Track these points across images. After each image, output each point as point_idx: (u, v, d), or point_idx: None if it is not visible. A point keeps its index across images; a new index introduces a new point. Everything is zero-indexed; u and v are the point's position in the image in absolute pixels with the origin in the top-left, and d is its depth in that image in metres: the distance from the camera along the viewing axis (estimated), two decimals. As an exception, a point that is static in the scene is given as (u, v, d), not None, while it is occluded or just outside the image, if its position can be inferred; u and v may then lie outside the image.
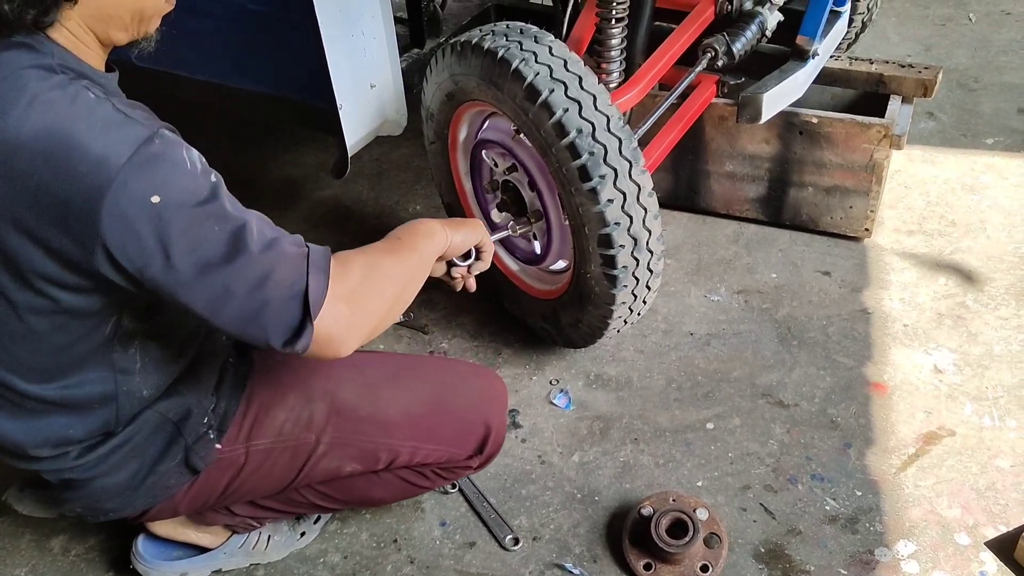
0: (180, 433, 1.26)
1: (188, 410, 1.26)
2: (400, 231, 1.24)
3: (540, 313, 1.90)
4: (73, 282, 1.01)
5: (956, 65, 2.87)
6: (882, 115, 2.02)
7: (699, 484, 1.63)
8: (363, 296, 1.10)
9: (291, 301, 1.02)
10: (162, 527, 1.51)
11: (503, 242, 1.94)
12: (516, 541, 1.56)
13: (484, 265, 1.41)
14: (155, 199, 0.95)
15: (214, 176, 1.02)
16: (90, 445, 1.20)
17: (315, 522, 1.60)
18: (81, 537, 1.64)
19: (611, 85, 1.89)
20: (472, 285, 1.42)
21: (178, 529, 1.52)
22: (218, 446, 1.28)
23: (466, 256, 1.38)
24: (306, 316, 1.02)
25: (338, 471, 1.35)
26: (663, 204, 2.29)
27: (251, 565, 1.56)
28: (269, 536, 1.56)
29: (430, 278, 1.29)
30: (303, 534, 1.59)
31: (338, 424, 1.33)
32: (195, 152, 1.02)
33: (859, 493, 1.59)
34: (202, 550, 1.54)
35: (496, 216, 1.91)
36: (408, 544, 1.57)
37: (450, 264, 1.38)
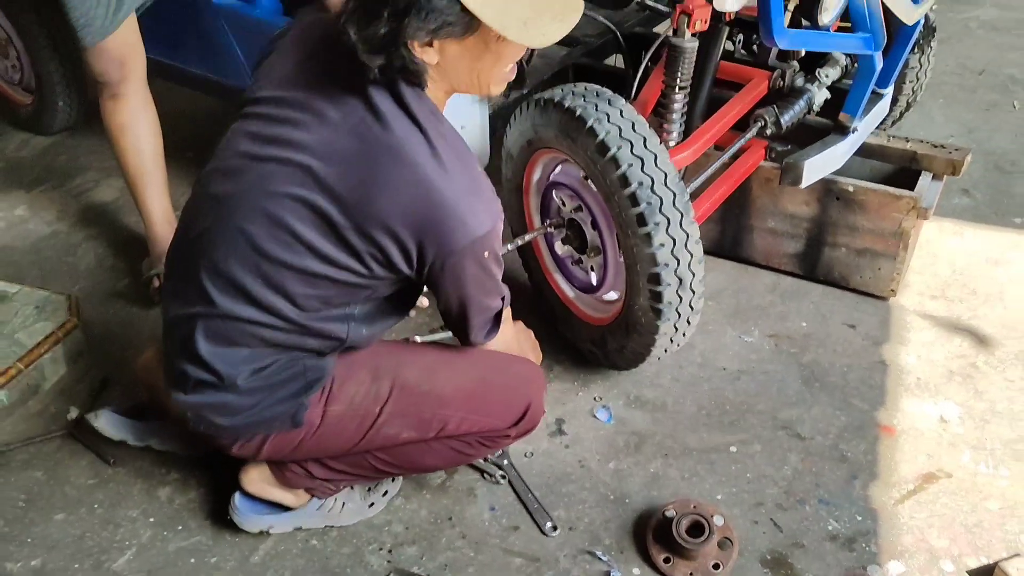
0: (306, 391, 1.54)
1: (321, 376, 1.55)
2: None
3: (590, 337, 2.15)
4: (393, 263, 1.41)
5: (996, 148, 3.08)
6: (913, 188, 2.25)
7: (718, 497, 1.86)
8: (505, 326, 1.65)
9: (493, 314, 1.57)
10: (254, 485, 1.77)
11: (564, 270, 2.21)
12: (555, 528, 1.80)
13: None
14: (486, 254, 1.42)
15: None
16: (262, 366, 1.51)
17: (383, 495, 1.86)
18: (183, 490, 1.92)
19: (671, 143, 2.14)
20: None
21: (267, 488, 1.78)
22: None
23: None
24: (496, 325, 1.59)
25: (396, 437, 1.61)
26: (710, 252, 2.54)
27: (326, 526, 1.82)
28: (344, 503, 1.82)
29: None
30: (372, 504, 1.84)
31: (400, 398, 1.59)
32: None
33: (859, 518, 1.80)
34: (287, 508, 1.81)
35: (560, 249, 2.17)
36: (461, 522, 1.82)
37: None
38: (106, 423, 1.84)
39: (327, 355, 1.56)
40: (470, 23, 1.28)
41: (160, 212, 2.36)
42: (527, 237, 2.15)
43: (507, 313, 1.65)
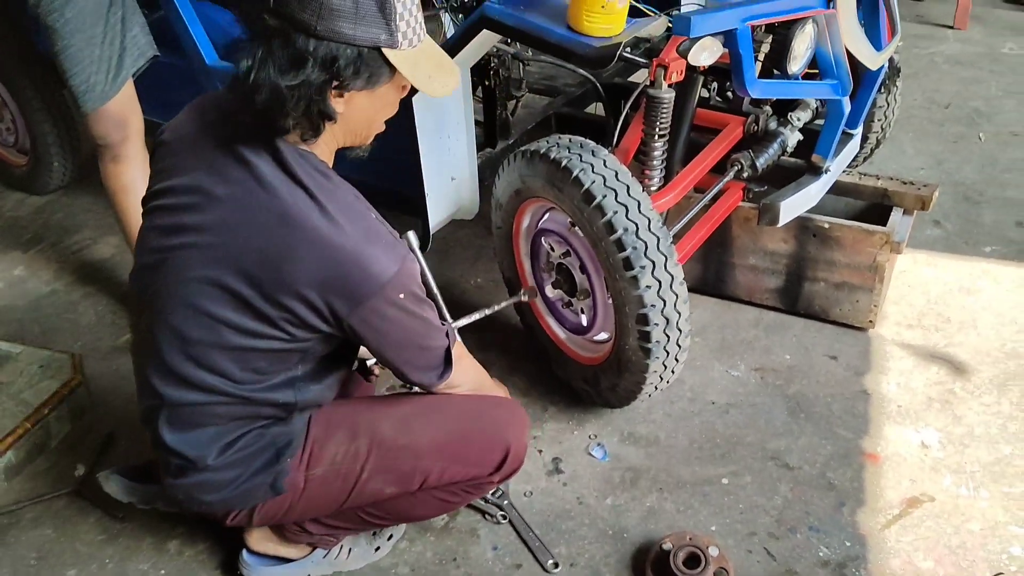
0: (278, 459, 1.58)
1: (290, 441, 1.60)
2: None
3: (583, 376, 2.22)
4: (309, 324, 1.43)
5: (964, 179, 3.20)
6: (886, 224, 2.36)
7: (713, 528, 1.92)
8: (463, 363, 1.67)
9: (439, 357, 1.57)
10: (258, 544, 1.84)
11: (555, 313, 2.28)
12: (556, 565, 1.85)
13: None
14: (400, 296, 1.42)
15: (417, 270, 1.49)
16: (229, 442, 1.55)
17: (388, 539, 1.91)
18: (192, 542, 1.96)
19: (652, 188, 2.23)
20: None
21: (271, 546, 1.84)
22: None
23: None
24: (447, 366, 1.59)
25: (380, 493, 1.65)
26: (694, 289, 2.62)
27: (334, 573, 1.87)
28: (350, 548, 1.87)
29: None
30: (378, 548, 1.89)
31: (378, 455, 1.62)
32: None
33: (848, 544, 1.87)
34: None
35: (550, 292, 2.25)
36: (465, 562, 1.88)
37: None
38: (116, 487, 1.88)
39: (291, 419, 1.60)
40: (390, 76, 1.41)
41: (160, 269, 2.42)
42: (500, 306, 2.24)
43: (459, 351, 1.65)
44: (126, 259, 2.80)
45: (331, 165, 1.49)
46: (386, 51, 1.35)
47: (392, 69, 1.38)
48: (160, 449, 1.57)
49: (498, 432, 1.68)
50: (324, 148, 1.46)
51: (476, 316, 2.15)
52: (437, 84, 1.43)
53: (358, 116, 1.44)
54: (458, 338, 1.65)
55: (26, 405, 2.19)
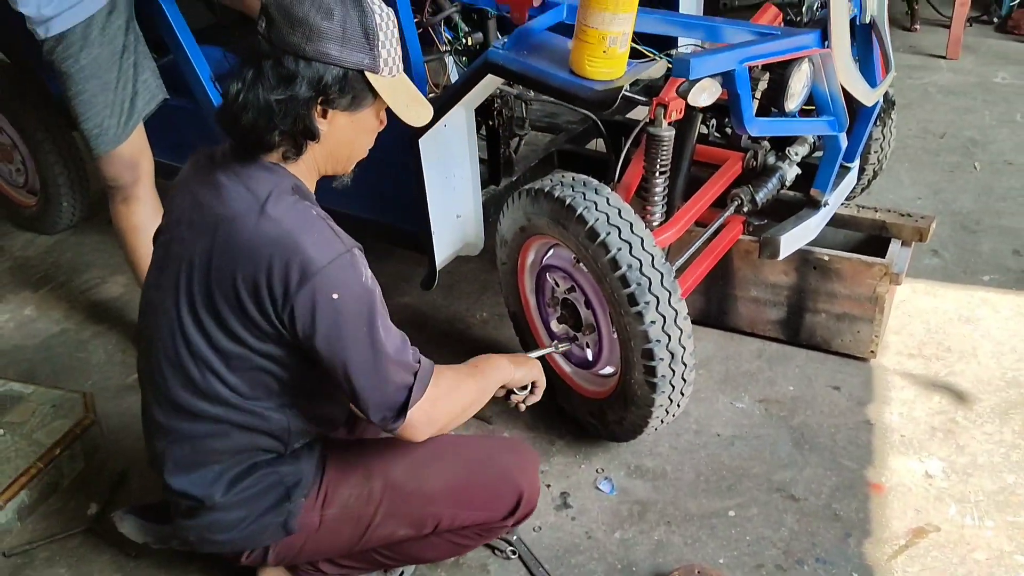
0: (289, 497, 1.61)
1: (300, 480, 1.62)
2: (479, 360, 1.70)
3: (589, 410, 2.25)
4: (262, 328, 1.44)
5: (960, 208, 3.24)
6: (884, 255, 2.39)
7: (721, 561, 1.94)
8: (444, 404, 1.56)
9: (397, 396, 1.47)
10: (272, 582, 1.86)
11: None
12: (566, 600, 1.87)
13: (535, 398, 1.81)
14: (335, 296, 1.40)
15: (377, 289, 1.48)
16: (234, 478, 1.58)
17: (400, 575, 1.92)
18: (205, 580, 1.99)
19: (654, 224, 2.27)
20: (522, 409, 1.83)
21: None
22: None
23: (523, 387, 1.78)
24: (402, 412, 1.48)
25: (392, 535, 1.68)
26: (697, 321, 2.65)
27: (346, 609, 1.88)
28: (363, 585, 1.90)
29: (493, 398, 1.73)
30: (391, 585, 1.92)
31: (391, 497, 1.65)
32: (368, 269, 1.47)
33: (855, 575, 1.88)
34: (307, 597, 1.87)
35: (555, 327, 2.28)
36: (476, 598, 1.90)
37: (509, 392, 1.78)
38: (130, 527, 1.90)
39: (297, 456, 1.63)
40: (372, 100, 1.47)
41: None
42: (540, 352, 2.18)
43: (436, 392, 1.53)
44: (135, 298, 2.82)
45: (312, 190, 1.55)
46: (369, 75, 1.43)
47: (374, 94, 1.45)
48: (169, 492, 1.61)
49: (510, 478, 1.70)
50: (305, 170, 1.52)
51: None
52: (413, 113, 1.51)
53: (339, 138, 1.49)
54: (431, 381, 1.52)
55: (38, 445, 2.22)
